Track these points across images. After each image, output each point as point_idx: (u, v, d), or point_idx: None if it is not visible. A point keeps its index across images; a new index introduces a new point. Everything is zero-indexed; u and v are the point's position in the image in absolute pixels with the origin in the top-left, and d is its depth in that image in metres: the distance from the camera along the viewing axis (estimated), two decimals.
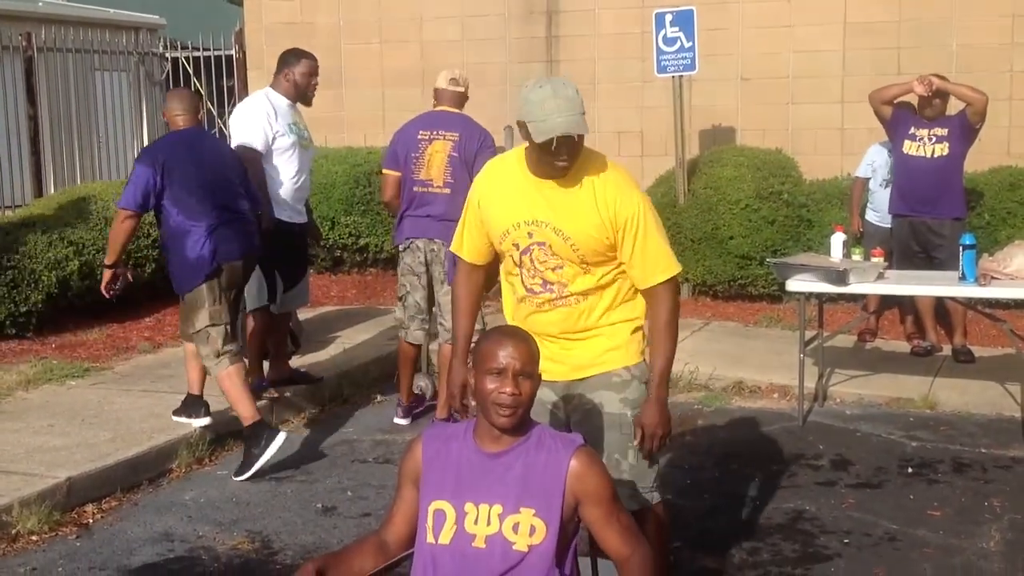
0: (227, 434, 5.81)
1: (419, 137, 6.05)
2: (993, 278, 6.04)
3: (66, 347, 7.58)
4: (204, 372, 5.66)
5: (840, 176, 9.27)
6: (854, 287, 6.29)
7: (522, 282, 3.48)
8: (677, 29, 8.75)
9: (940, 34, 9.49)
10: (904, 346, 7.76)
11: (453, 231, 3.70)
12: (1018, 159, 9.10)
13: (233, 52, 12.26)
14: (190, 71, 13.09)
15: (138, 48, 13.52)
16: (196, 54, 13.07)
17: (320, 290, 9.35)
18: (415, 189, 6.04)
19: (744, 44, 10.03)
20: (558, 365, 3.47)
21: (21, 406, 6.24)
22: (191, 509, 5.08)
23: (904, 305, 7.88)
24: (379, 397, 6.88)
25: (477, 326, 4.23)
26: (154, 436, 5.65)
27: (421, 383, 6.57)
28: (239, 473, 5.39)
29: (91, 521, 4.93)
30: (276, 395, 6.43)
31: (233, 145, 6.22)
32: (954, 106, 7.22)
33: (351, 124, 11.14)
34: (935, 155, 7.15)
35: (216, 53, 12.68)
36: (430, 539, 2.75)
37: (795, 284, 6.33)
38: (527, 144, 3.39)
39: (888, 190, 7.56)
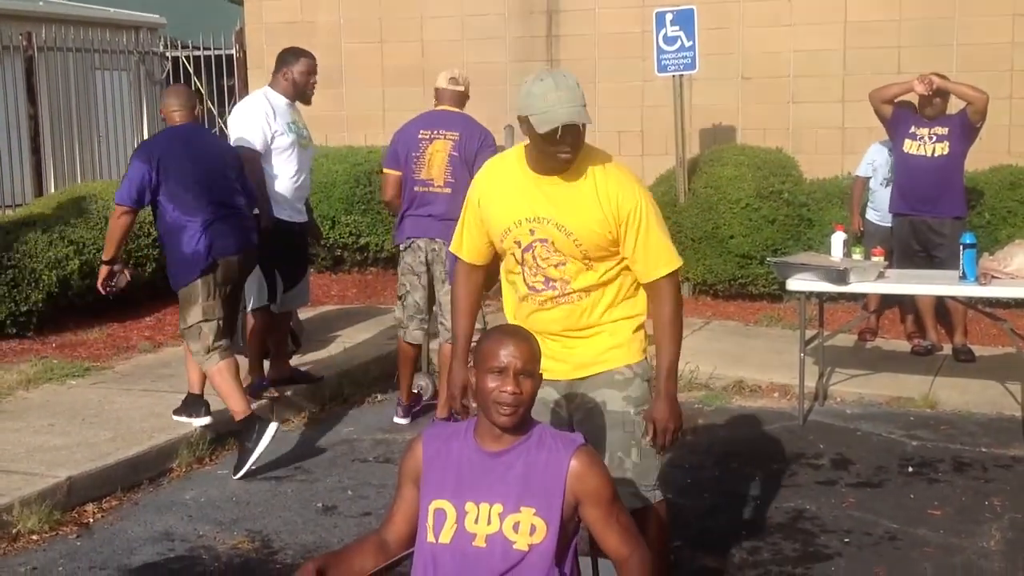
0: (227, 433, 5.80)
1: (419, 137, 6.05)
2: (993, 277, 6.04)
3: (66, 346, 7.58)
4: None
5: (840, 175, 9.27)
6: (854, 286, 6.29)
7: (524, 280, 3.47)
8: (678, 28, 8.75)
9: (941, 33, 9.49)
10: (904, 345, 7.76)
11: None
12: (1019, 158, 9.09)
13: (234, 51, 12.26)
14: (190, 70, 13.09)
15: (138, 47, 13.53)
16: (196, 53, 13.07)
17: (320, 289, 9.35)
18: (416, 189, 6.04)
19: (745, 43, 10.03)
20: (560, 364, 3.47)
21: (21, 405, 6.24)
22: (191, 508, 5.08)
23: (904, 304, 7.88)
24: (379, 396, 6.88)
25: (478, 325, 4.24)
26: (154, 435, 5.66)
27: (421, 382, 6.57)
28: (237, 470, 5.39)
29: (91, 520, 4.93)
30: (277, 394, 6.43)
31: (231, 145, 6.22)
32: (955, 105, 7.21)
33: (351, 123, 11.14)
34: (935, 154, 7.15)
35: (216, 52, 12.68)
36: (430, 538, 2.75)
37: (795, 283, 6.33)
38: (527, 142, 3.40)
39: (888, 189, 7.56)
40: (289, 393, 6.53)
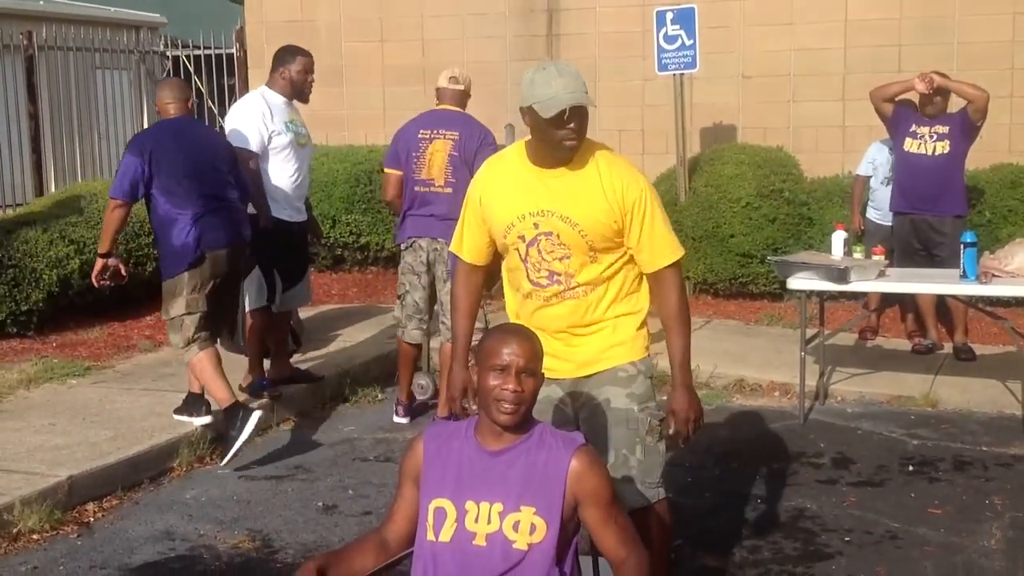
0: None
1: (420, 136, 6.05)
2: (994, 276, 6.04)
3: (67, 346, 7.59)
4: None
5: (841, 174, 9.27)
6: (855, 285, 6.29)
7: (527, 276, 3.47)
8: (678, 27, 8.74)
9: (941, 31, 9.48)
10: (905, 344, 7.76)
11: None
12: (1019, 156, 9.09)
13: (234, 50, 12.25)
14: (191, 69, 13.08)
15: (139, 46, 13.51)
16: (197, 52, 13.06)
17: (321, 288, 9.35)
18: (417, 189, 6.04)
19: (745, 42, 10.02)
20: (564, 363, 3.47)
21: (22, 405, 6.24)
22: (192, 508, 5.08)
23: (905, 303, 7.88)
24: (380, 395, 6.88)
25: (479, 325, 4.25)
26: (155, 435, 5.66)
27: (421, 382, 6.57)
28: (223, 458, 5.40)
29: (92, 520, 4.94)
30: (277, 394, 6.43)
31: None
32: (955, 104, 7.21)
33: (352, 122, 11.13)
34: (936, 153, 7.14)
35: (217, 51, 12.67)
36: (431, 537, 2.75)
37: (796, 282, 6.33)
38: (527, 139, 3.39)
39: (889, 188, 7.56)
40: (290, 392, 6.53)
